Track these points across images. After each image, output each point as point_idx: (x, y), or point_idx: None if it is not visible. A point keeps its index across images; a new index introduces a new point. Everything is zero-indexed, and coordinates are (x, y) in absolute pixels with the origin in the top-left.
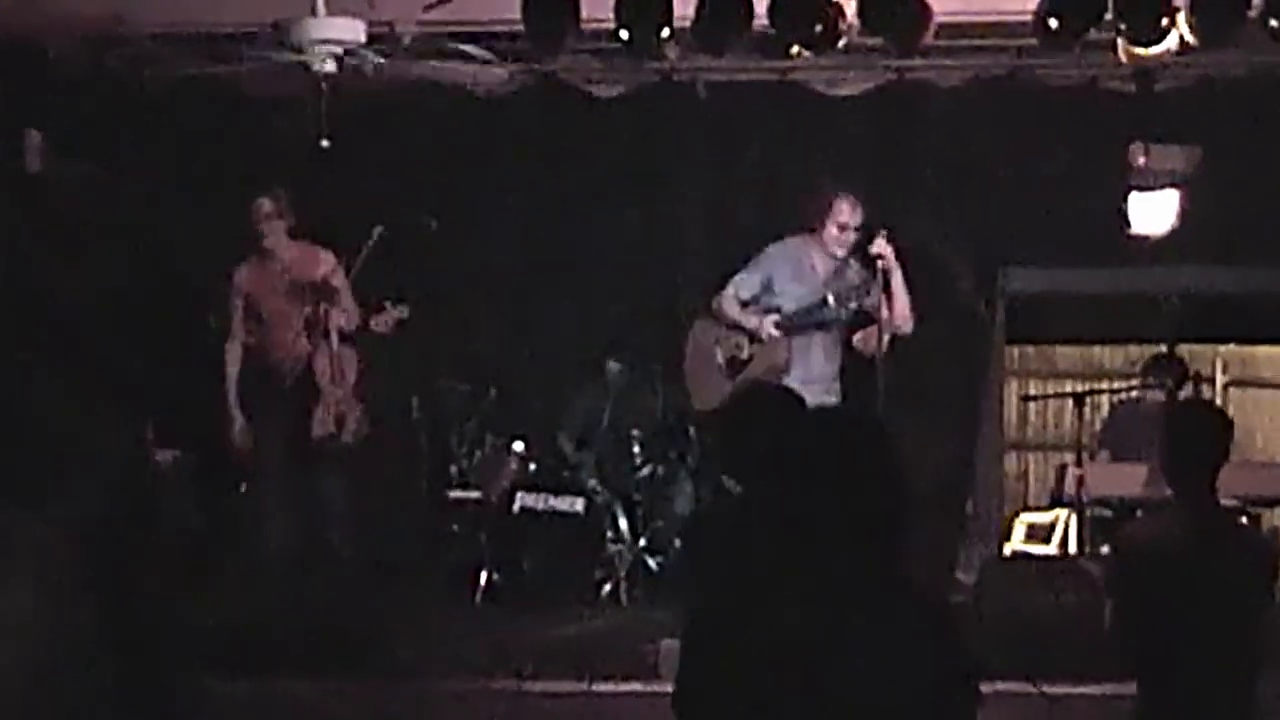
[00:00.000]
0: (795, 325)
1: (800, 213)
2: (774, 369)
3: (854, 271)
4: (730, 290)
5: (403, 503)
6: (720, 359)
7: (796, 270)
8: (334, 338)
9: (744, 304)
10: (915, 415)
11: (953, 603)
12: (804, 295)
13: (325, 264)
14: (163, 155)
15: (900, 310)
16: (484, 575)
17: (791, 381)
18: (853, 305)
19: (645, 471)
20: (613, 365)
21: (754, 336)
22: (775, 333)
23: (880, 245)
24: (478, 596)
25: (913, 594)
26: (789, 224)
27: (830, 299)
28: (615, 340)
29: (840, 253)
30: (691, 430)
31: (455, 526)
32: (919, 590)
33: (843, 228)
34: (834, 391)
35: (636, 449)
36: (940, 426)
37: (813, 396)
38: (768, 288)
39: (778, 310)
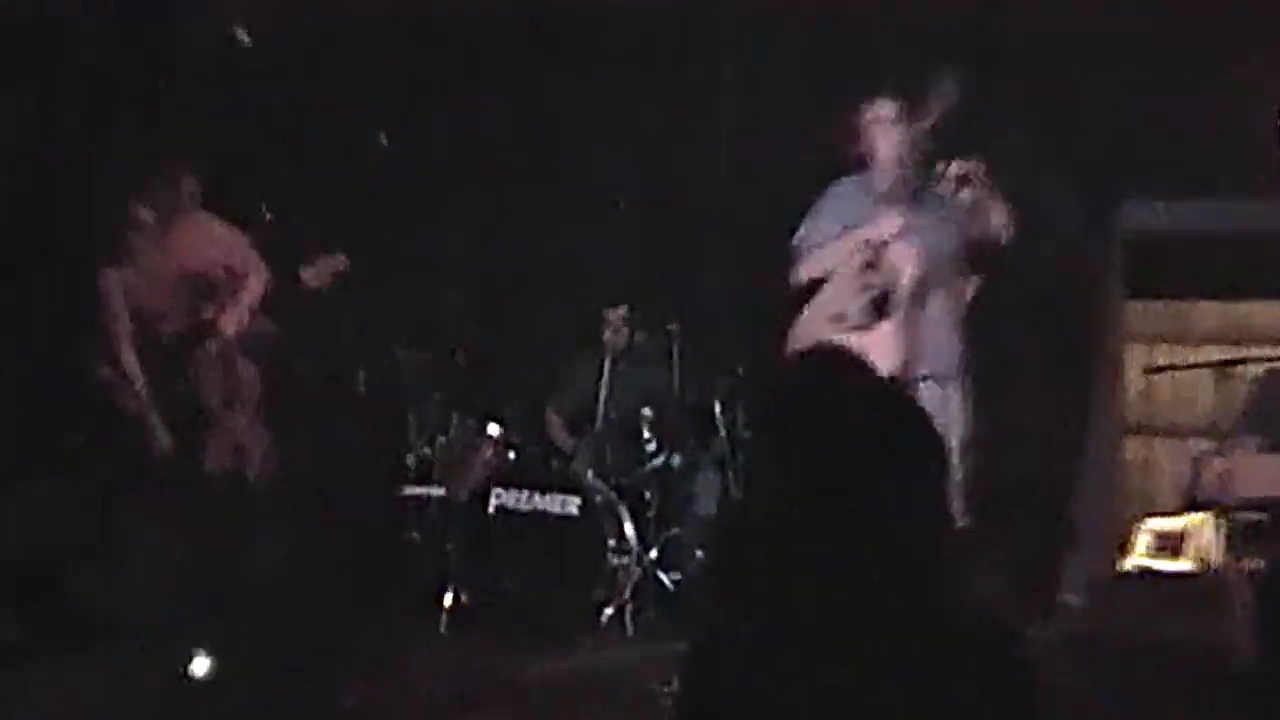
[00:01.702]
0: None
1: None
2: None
3: (938, 201)
4: (802, 240)
5: (345, 506)
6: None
7: (869, 209)
8: (227, 345)
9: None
10: (1005, 392)
11: (1055, 631)
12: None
13: (220, 244)
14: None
15: (995, 220)
16: (450, 596)
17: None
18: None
19: (658, 462)
20: (615, 320)
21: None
22: (897, 221)
23: (962, 166)
24: (442, 623)
25: (983, 632)
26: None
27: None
28: (619, 291)
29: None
30: (719, 408)
31: (413, 534)
32: (990, 625)
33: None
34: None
35: (646, 432)
36: (1038, 406)
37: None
38: (843, 234)
39: None
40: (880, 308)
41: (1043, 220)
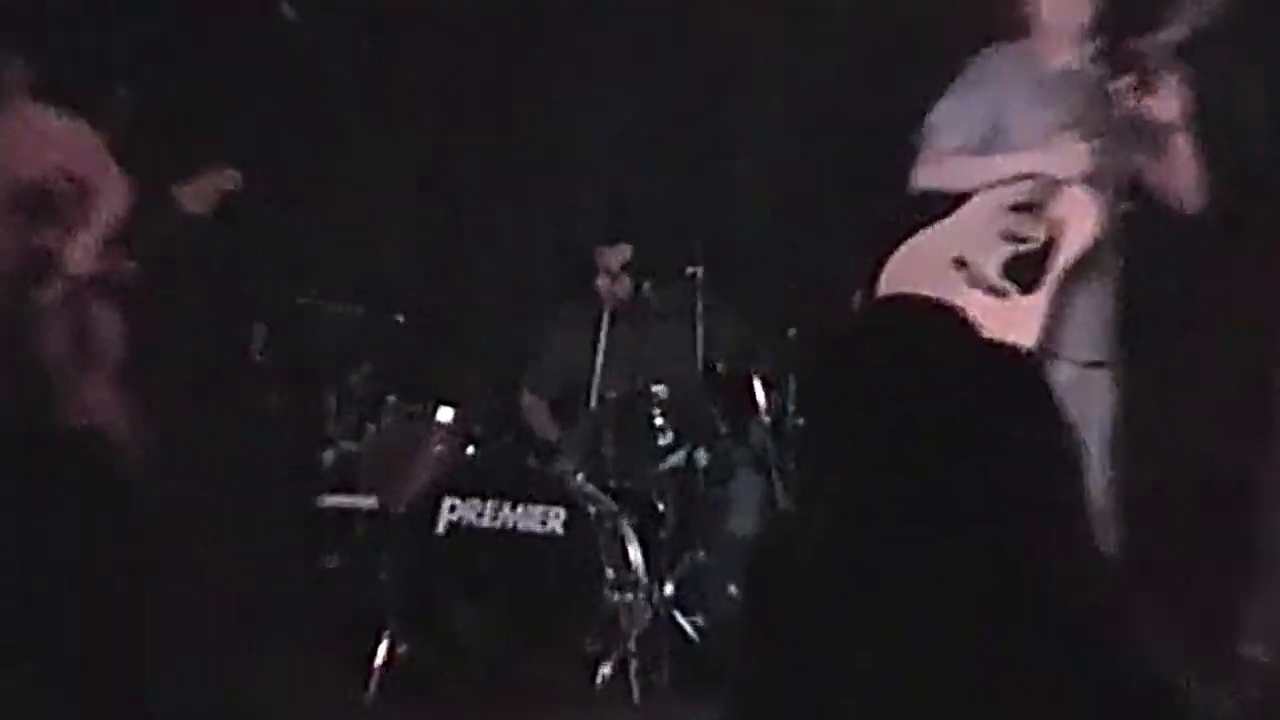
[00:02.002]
0: None
1: None
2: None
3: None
4: (936, 130)
5: (236, 520)
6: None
7: (1034, 95)
8: (75, 287)
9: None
10: (1168, 382)
11: (1236, 696)
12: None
13: (61, 145)
14: None
15: (1185, 178)
16: (383, 648)
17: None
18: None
19: (675, 459)
20: (613, 263)
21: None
22: (1084, 157)
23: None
24: (372, 683)
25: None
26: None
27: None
28: (620, 224)
29: (1075, 63)
30: (760, 385)
31: (332, 560)
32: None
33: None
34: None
35: (659, 419)
36: (1211, 401)
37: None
38: (998, 127)
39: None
40: (1027, 271)
41: (1233, 143)
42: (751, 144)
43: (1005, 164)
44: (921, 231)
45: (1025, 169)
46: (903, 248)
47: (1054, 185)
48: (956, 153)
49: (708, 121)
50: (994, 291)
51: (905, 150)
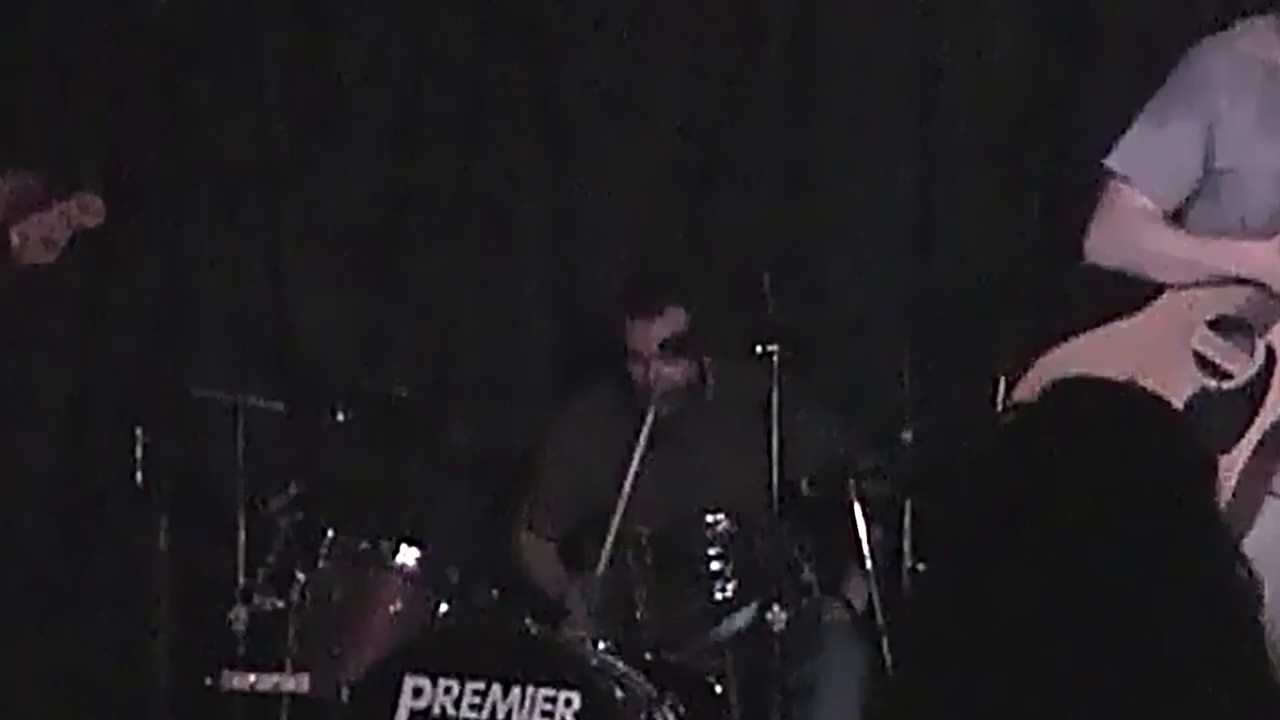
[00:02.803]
0: None
1: None
2: None
3: None
4: (1121, 178)
5: (104, 711)
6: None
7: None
8: None
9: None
10: None
11: None
12: None
13: None
14: None
15: None
16: None
17: None
18: None
19: (738, 622)
20: (644, 331)
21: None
22: None
23: None
24: None
25: None
26: None
27: None
28: (656, 283)
29: None
30: (860, 510)
31: None
32: None
33: None
34: None
35: (715, 563)
36: None
37: None
38: (1217, 172)
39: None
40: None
41: None
42: (849, 171)
43: (1214, 254)
44: (1086, 334)
45: (1244, 268)
46: (1058, 350)
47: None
48: (1146, 218)
49: (785, 133)
50: (1237, 391)
51: (1071, 195)
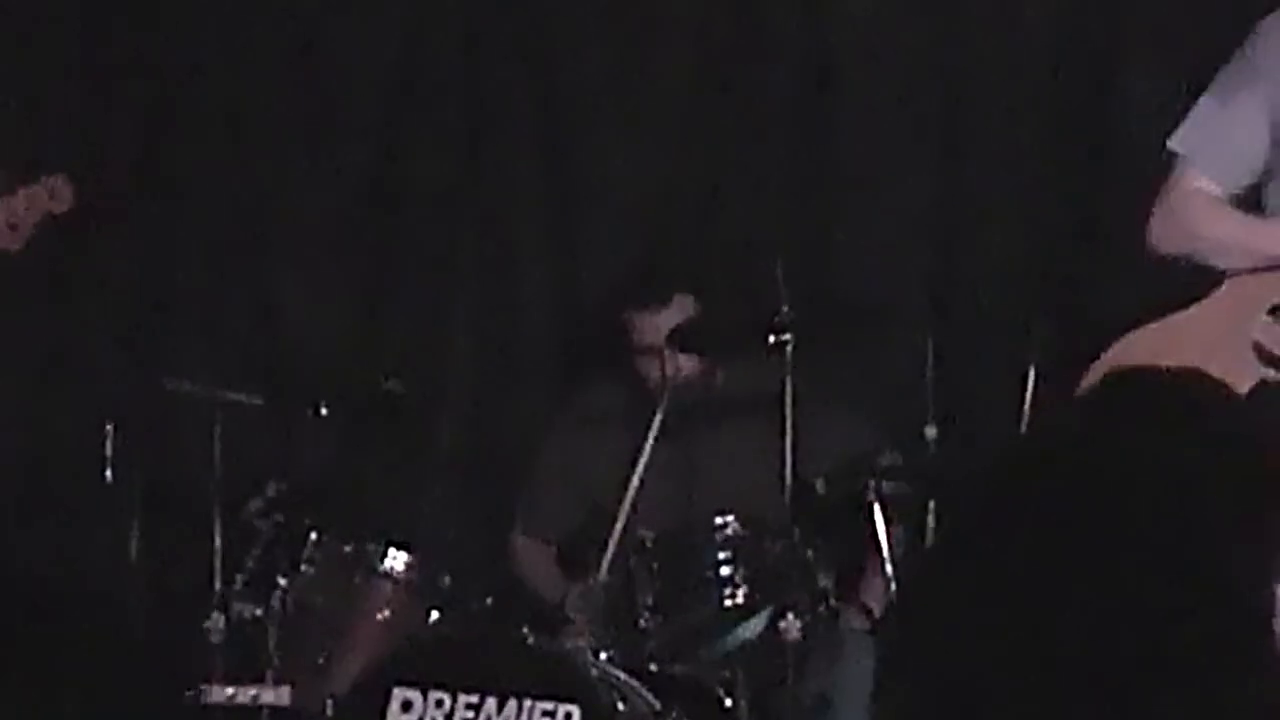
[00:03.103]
0: None
1: None
2: None
3: None
4: (1185, 160)
5: None
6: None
7: None
8: None
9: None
10: None
11: None
12: None
13: None
14: None
15: None
16: None
17: None
18: None
19: (749, 630)
20: (649, 321)
21: None
22: None
23: None
24: None
25: None
26: None
27: None
28: (661, 269)
29: None
30: (879, 513)
31: None
32: None
33: None
34: None
35: (725, 568)
36: None
37: None
38: None
39: None
40: None
41: None
42: (868, 152)
43: (1269, 238)
44: (1145, 328)
45: None
46: (1116, 345)
47: None
48: (1207, 202)
49: (800, 111)
50: None
51: (1131, 172)
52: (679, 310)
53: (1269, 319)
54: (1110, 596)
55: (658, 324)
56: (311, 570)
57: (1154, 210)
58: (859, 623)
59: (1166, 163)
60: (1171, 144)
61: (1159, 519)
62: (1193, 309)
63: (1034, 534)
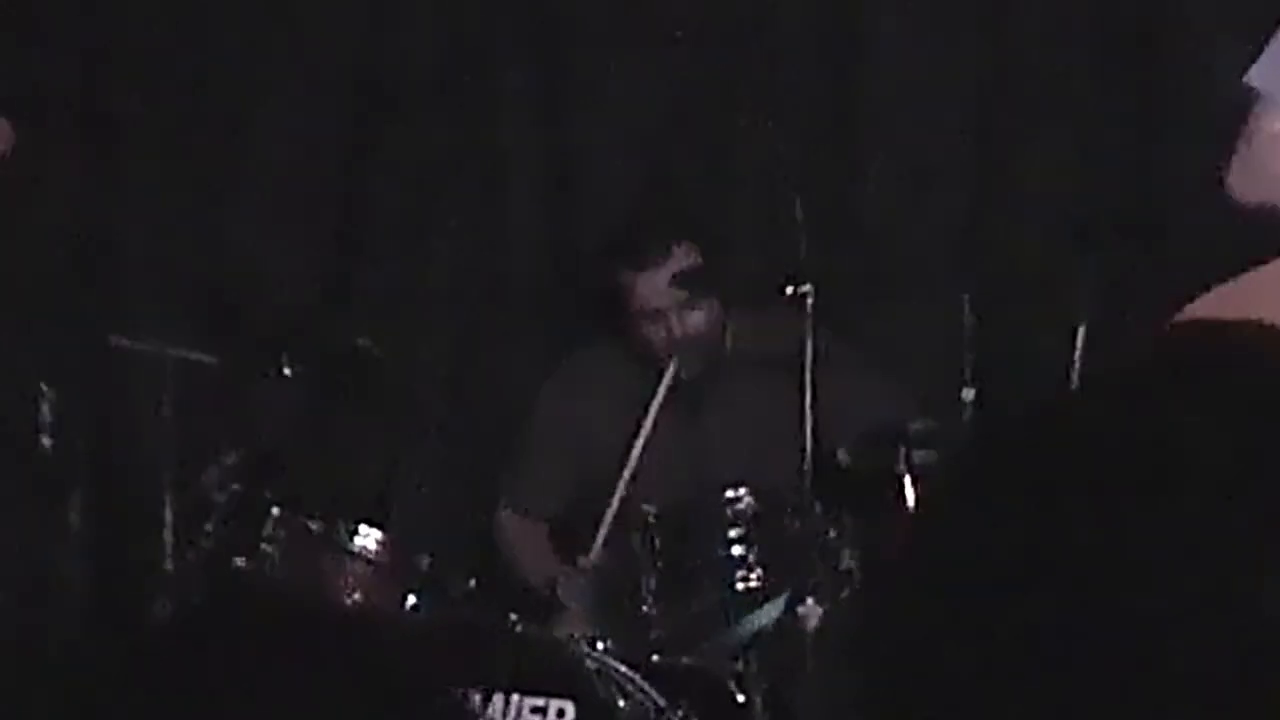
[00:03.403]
0: None
1: None
2: None
3: None
4: (1267, 98)
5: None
6: None
7: None
8: None
9: None
10: None
11: None
12: None
13: None
14: None
15: None
16: None
17: None
18: None
19: (764, 616)
20: (651, 272)
21: None
22: None
23: None
24: None
25: None
26: None
27: None
28: (665, 215)
29: None
30: (910, 481)
31: None
32: None
33: None
34: None
35: (738, 547)
36: None
37: None
38: None
39: None
40: None
41: None
42: (900, 87)
43: None
44: (1221, 285)
45: None
46: (1194, 303)
47: None
48: None
49: (824, 40)
50: None
51: (1193, 109)
52: (680, 259)
53: None
54: (1208, 546)
55: (657, 284)
56: (273, 549)
57: (1234, 155)
58: None
59: (1244, 100)
60: (1248, 78)
61: (1242, 474)
62: (1273, 264)
63: (1069, 504)
